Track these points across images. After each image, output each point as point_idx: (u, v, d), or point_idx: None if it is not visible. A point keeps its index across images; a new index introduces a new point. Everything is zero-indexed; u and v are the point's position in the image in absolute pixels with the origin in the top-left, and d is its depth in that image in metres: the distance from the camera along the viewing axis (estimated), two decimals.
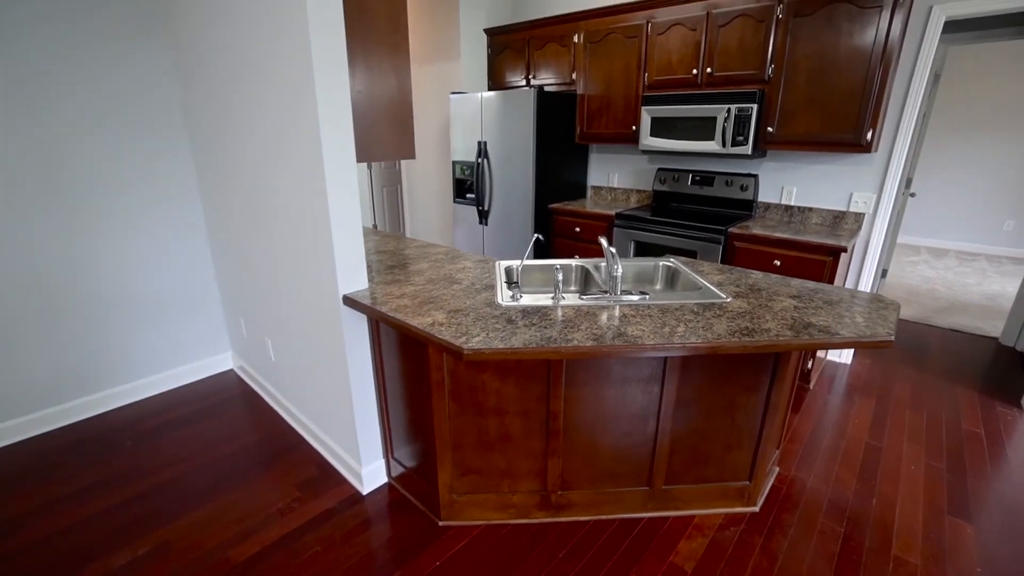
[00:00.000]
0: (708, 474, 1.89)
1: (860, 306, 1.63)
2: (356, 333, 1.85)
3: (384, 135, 1.87)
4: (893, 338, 1.40)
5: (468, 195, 4.01)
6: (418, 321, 1.49)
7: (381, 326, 1.84)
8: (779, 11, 2.68)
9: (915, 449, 2.33)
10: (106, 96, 2.39)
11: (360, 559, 1.74)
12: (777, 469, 2.17)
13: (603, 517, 1.90)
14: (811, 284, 1.86)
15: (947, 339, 3.58)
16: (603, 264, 2.05)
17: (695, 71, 3.06)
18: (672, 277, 2.12)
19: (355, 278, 1.78)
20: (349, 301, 1.74)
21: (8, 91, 2.14)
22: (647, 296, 1.71)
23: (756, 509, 1.95)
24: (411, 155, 1.94)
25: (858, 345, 1.37)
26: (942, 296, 4.49)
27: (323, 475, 2.17)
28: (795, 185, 3.14)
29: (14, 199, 2.23)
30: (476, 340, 1.36)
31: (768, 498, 2.01)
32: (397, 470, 2.06)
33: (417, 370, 1.74)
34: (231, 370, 3.11)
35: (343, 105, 1.60)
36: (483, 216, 3.95)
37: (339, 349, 1.86)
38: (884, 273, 3.98)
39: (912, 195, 4.26)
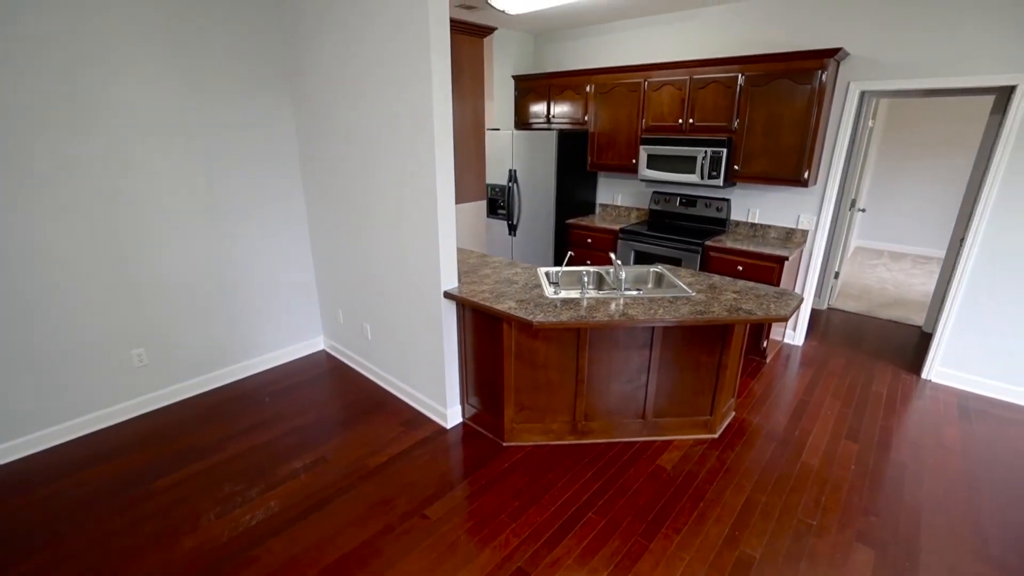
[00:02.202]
0: (682, 410, 2.82)
1: (776, 298, 2.56)
2: (448, 316, 2.78)
3: (466, 179, 2.80)
4: (788, 316, 2.32)
5: (499, 211, 4.94)
6: (500, 307, 2.42)
7: (465, 311, 2.76)
8: (741, 81, 3.60)
9: (834, 402, 3.26)
10: (246, 142, 3.30)
11: (455, 463, 2.68)
12: (734, 413, 3.10)
13: (612, 440, 2.83)
14: (750, 284, 2.78)
15: (883, 328, 4.50)
16: (612, 270, 2.97)
17: (680, 120, 3.99)
18: (659, 279, 3.04)
19: (450, 279, 2.71)
20: (448, 295, 2.67)
21: (191, 143, 3.08)
22: (641, 292, 2.63)
23: (716, 436, 2.88)
24: (483, 197, 2.86)
25: (764, 320, 2.30)
26: (890, 294, 5.42)
27: (415, 418, 3.10)
28: (758, 207, 4.07)
29: (186, 218, 3.15)
30: (539, 317, 2.29)
31: (725, 430, 2.94)
32: (469, 411, 3.00)
33: (491, 340, 2.66)
34: (322, 350, 4.05)
35: (449, 156, 2.50)
36: (512, 229, 4.89)
37: (437, 327, 2.79)
38: (836, 275, 4.91)
39: (862, 211, 5.18)
